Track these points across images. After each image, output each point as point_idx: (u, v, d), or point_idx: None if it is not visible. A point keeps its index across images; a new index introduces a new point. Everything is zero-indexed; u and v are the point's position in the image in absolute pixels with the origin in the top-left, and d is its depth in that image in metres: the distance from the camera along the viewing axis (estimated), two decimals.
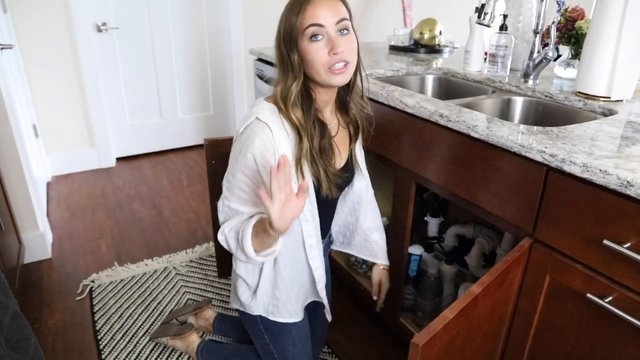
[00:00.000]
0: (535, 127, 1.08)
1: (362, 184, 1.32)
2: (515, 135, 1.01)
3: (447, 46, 2.23)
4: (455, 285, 1.61)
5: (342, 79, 1.04)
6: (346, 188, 1.31)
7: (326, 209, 1.26)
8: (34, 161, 2.51)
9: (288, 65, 1.04)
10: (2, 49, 2.08)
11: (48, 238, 2.21)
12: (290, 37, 1.01)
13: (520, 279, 1.06)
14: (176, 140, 3.50)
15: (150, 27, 3.14)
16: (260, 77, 2.15)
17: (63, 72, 2.89)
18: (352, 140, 1.24)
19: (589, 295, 0.90)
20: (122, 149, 3.33)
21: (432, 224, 1.78)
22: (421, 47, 2.19)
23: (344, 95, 1.18)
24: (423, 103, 1.26)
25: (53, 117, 2.95)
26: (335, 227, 1.44)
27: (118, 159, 3.32)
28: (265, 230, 0.96)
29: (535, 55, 1.54)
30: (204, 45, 3.37)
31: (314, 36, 1.00)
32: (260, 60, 2.17)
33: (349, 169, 1.23)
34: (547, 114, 1.46)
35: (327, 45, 1.00)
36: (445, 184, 1.24)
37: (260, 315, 1.26)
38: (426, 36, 2.19)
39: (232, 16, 3.26)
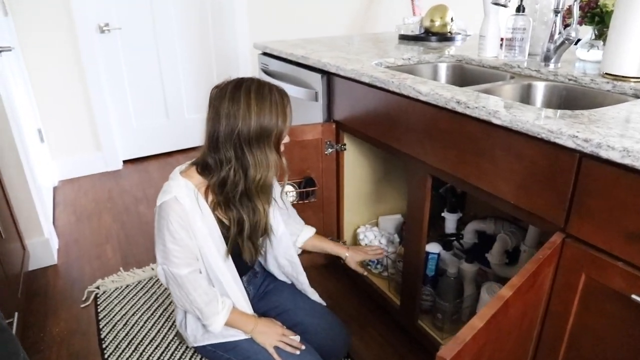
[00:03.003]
0: (562, 111, 0.98)
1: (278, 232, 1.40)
2: (542, 120, 0.92)
3: (459, 34, 2.13)
4: (477, 285, 1.51)
5: None
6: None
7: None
8: (39, 166, 2.46)
9: (252, 161, 1.14)
10: (0, 51, 2.03)
11: (54, 244, 2.16)
12: (269, 137, 1.14)
13: (551, 279, 0.97)
14: (183, 141, 3.44)
15: (154, 26, 3.08)
16: (266, 72, 2.07)
17: (66, 74, 2.84)
18: None
19: (634, 296, 0.80)
20: (128, 151, 3.28)
21: (450, 220, 1.68)
22: (432, 35, 2.09)
23: None
24: (438, 90, 1.17)
25: (58, 121, 2.90)
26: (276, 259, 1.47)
27: (125, 162, 3.26)
28: (242, 328, 1.27)
29: (556, 36, 1.44)
30: (208, 42, 3.30)
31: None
32: (265, 54, 2.09)
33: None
34: (571, 99, 1.36)
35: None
36: (465, 177, 1.15)
37: (210, 345, 1.31)
38: (437, 24, 2.09)
39: (236, 11, 3.19)
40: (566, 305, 0.95)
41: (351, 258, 1.50)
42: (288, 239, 1.42)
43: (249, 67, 3.32)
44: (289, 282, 1.49)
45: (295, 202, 1.67)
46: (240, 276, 1.33)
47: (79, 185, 2.95)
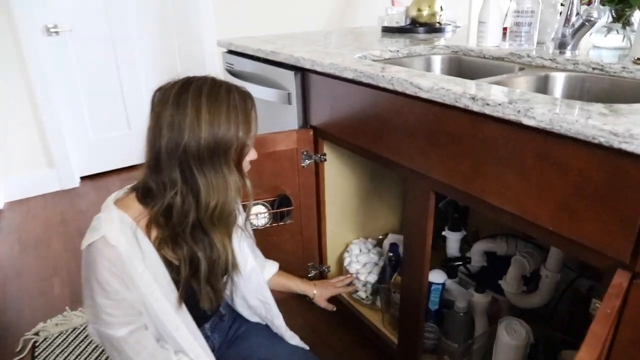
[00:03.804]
0: (616, 105, 0.73)
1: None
2: (596, 119, 0.67)
3: (449, 24, 1.89)
4: (490, 319, 1.26)
5: None
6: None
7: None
8: None
9: (205, 183, 0.87)
10: None
11: None
12: (226, 152, 0.87)
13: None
14: None
15: (110, 26, 2.77)
16: (231, 73, 1.80)
17: (8, 83, 2.50)
18: None
19: None
20: (85, 166, 2.95)
21: (452, 240, 1.43)
22: (419, 26, 1.85)
23: None
24: (444, 84, 0.91)
25: (1, 135, 2.57)
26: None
27: (82, 178, 2.93)
28: None
29: (573, 19, 1.21)
30: (172, 43, 3.00)
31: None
32: (230, 52, 1.82)
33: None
34: (597, 92, 1.13)
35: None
36: (482, 194, 0.89)
37: None
38: (425, 13, 1.84)
39: (202, 9, 2.91)
40: None
41: (320, 296, 1.35)
42: (259, 275, 1.14)
43: (217, 69, 3.04)
44: (263, 323, 1.22)
45: (268, 225, 1.40)
46: (202, 325, 1.06)
47: (28, 207, 2.61)
